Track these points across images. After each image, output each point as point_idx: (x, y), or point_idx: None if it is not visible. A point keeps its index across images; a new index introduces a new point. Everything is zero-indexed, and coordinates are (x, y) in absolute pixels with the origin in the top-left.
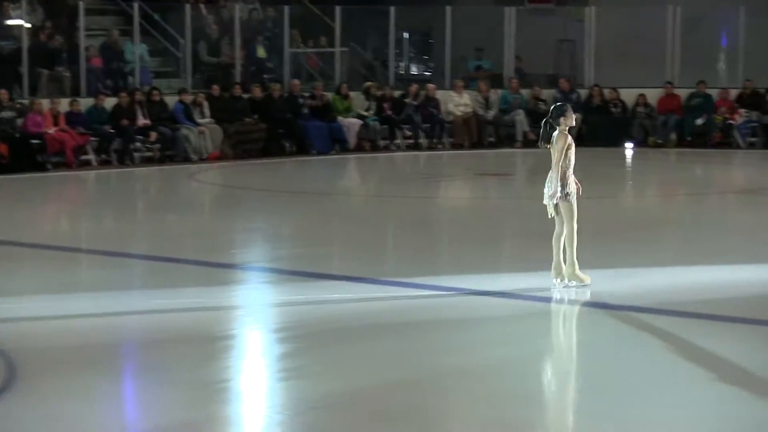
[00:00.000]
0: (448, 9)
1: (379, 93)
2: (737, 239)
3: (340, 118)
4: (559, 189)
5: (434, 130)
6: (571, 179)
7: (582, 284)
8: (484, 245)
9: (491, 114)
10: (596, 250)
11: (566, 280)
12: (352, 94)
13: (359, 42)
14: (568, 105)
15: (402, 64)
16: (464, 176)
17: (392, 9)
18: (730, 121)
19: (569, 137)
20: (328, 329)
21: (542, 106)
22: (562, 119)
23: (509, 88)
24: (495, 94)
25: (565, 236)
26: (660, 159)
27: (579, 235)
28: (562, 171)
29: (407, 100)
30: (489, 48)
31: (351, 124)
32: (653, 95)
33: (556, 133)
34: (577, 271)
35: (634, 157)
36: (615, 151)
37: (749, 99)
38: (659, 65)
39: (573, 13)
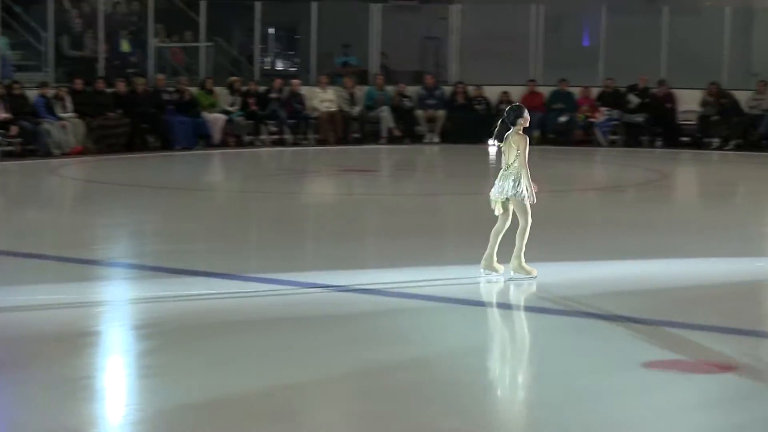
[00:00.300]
0: (314, 5)
1: (243, 88)
2: (599, 235)
3: (204, 114)
4: (514, 187)
5: (299, 125)
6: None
7: (529, 276)
8: (349, 241)
9: (356, 110)
10: (459, 247)
11: (512, 273)
12: (217, 89)
13: (225, 37)
14: (523, 106)
15: (268, 60)
16: (329, 172)
17: (258, 4)
18: (592, 119)
19: (527, 137)
20: (191, 326)
21: (407, 103)
22: (520, 120)
23: (374, 85)
24: (360, 91)
25: (518, 231)
26: None
27: (445, 232)
28: (516, 170)
29: (272, 95)
30: (355, 44)
31: (216, 119)
32: (516, 93)
33: (509, 132)
34: (524, 264)
35: (497, 154)
36: (478, 147)
37: (610, 97)
38: (522, 63)
39: (437, 11)
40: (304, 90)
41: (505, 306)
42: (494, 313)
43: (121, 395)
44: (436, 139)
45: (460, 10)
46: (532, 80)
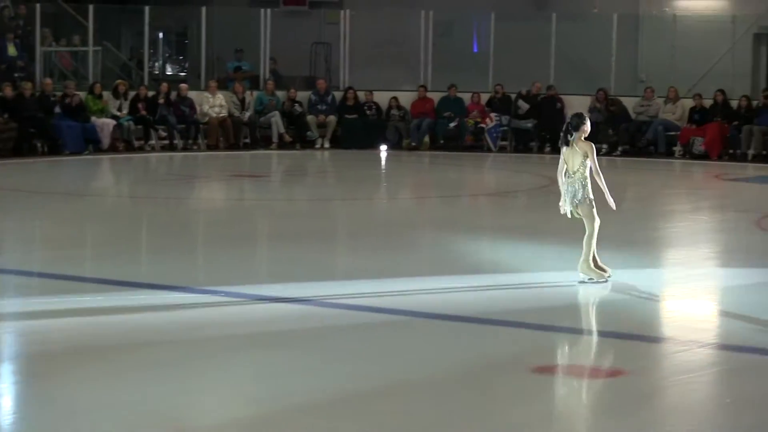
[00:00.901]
0: (203, 9)
1: (129, 92)
2: (489, 243)
3: (93, 118)
4: (584, 193)
5: (189, 130)
6: (590, 184)
7: (601, 279)
8: (239, 247)
9: (247, 115)
10: (359, 252)
11: (581, 276)
12: (105, 94)
13: (113, 41)
14: (585, 115)
15: (158, 64)
16: (219, 177)
17: (147, 8)
18: (481, 125)
19: (592, 144)
20: (81, 333)
21: (297, 108)
22: (583, 127)
23: (265, 90)
24: (251, 96)
25: (586, 236)
26: (414, 161)
27: (337, 238)
28: (581, 176)
29: (160, 101)
30: (246, 49)
31: (105, 124)
32: (407, 98)
33: (572, 139)
34: (592, 266)
35: (388, 159)
36: (370, 153)
37: (499, 103)
38: (413, 68)
39: (328, 16)
40: (194, 95)
41: (401, 312)
42: (390, 320)
43: (8, 403)
44: (327, 145)
45: (349, 15)
46: (422, 86)
